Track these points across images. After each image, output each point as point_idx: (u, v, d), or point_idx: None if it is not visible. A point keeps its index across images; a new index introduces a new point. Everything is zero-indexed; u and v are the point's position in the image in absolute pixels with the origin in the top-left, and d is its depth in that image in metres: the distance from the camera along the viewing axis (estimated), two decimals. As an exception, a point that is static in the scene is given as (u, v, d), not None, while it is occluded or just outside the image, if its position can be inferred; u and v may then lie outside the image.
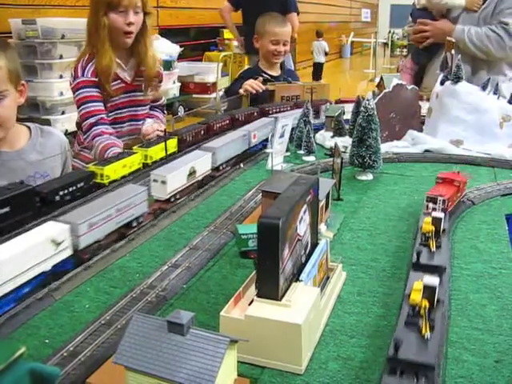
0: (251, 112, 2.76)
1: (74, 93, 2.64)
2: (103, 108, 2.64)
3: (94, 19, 2.58)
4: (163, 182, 1.67)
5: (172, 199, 1.75)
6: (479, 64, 3.44)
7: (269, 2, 5.42)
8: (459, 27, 3.40)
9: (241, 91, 3.31)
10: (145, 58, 2.75)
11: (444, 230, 1.40)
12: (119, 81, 2.70)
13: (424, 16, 3.59)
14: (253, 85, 3.29)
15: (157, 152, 2.05)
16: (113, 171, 1.80)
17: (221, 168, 2.11)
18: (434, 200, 1.61)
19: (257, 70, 3.61)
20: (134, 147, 2.03)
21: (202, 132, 2.42)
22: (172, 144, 2.15)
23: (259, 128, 2.43)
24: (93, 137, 2.55)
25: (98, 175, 1.76)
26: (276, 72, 3.65)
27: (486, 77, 2.85)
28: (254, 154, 2.41)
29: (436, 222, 1.38)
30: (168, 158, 2.07)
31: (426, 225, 1.36)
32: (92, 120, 2.57)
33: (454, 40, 3.03)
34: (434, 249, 1.30)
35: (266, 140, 2.39)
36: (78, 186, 1.65)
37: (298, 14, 6.03)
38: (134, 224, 1.57)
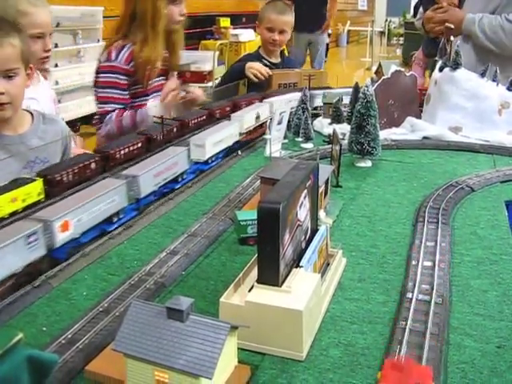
0: (171, 128, 2.08)
1: (100, 72, 2.66)
2: (127, 98, 2.66)
3: (154, 10, 2.59)
4: None
5: None
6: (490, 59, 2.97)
7: None
8: (470, 15, 3.04)
9: (249, 74, 3.27)
10: (178, 47, 2.85)
11: None
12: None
13: (433, 3, 3.47)
14: (261, 70, 3.25)
15: (3, 205, 1.27)
16: None
17: None
18: None
19: (257, 56, 3.58)
20: None
21: (93, 165, 1.57)
22: (33, 190, 1.36)
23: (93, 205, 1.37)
24: (108, 117, 2.60)
25: None
26: (276, 59, 3.62)
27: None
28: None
29: None
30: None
31: None
32: (109, 107, 2.61)
33: (452, 26, 3.01)
34: None
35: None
36: None
37: None
38: None
